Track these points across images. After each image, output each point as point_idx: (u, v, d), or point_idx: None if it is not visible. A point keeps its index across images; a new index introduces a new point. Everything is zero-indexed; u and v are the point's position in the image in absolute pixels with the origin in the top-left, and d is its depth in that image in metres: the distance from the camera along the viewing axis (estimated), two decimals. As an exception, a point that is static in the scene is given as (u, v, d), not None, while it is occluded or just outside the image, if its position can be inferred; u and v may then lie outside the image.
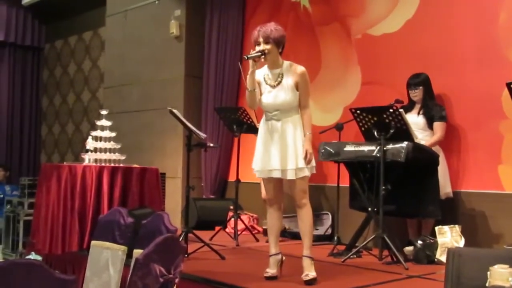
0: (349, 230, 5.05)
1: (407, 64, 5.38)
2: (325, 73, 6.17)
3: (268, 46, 3.67)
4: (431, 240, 4.45)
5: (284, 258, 3.85)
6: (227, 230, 5.76)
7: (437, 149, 4.83)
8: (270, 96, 3.74)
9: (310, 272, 3.64)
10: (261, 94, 3.78)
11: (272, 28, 3.71)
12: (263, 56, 3.67)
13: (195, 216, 6.31)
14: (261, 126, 3.83)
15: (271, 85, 3.74)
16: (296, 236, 5.76)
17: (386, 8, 5.72)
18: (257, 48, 3.68)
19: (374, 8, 5.83)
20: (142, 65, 7.89)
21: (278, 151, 3.66)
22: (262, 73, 3.81)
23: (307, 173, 3.66)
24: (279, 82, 3.72)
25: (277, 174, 3.68)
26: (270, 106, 3.73)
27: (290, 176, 3.64)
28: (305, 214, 3.72)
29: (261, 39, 3.68)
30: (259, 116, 5.84)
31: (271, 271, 3.75)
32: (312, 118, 3.84)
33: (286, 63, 3.77)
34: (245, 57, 3.73)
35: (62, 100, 10.59)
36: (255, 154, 3.79)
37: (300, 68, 3.73)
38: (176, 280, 2.31)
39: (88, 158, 5.02)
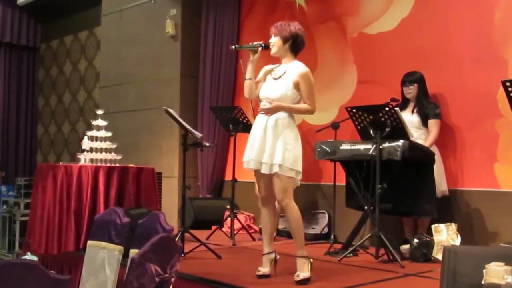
0: (345, 228, 5.06)
1: (402, 62, 5.38)
2: (321, 72, 6.16)
3: (273, 40, 3.74)
4: (427, 238, 4.46)
5: (278, 256, 3.84)
6: (223, 229, 5.76)
7: (433, 147, 4.84)
8: (266, 88, 3.77)
9: (301, 273, 3.62)
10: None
11: (284, 22, 3.76)
12: (260, 48, 3.75)
13: (191, 215, 6.30)
14: (256, 119, 3.85)
15: (273, 78, 3.77)
16: (292, 235, 5.78)
17: (381, 6, 5.72)
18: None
19: (370, 6, 5.83)
20: (138, 64, 7.88)
21: (258, 144, 3.66)
22: (272, 67, 3.85)
23: (277, 169, 3.57)
24: (280, 77, 3.74)
25: (252, 165, 3.68)
26: (264, 97, 3.76)
27: (264, 169, 3.62)
28: (289, 214, 3.71)
29: (272, 34, 3.77)
30: (256, 115, 5.85)
31: (263, 269, 3.75)
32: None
33: (295, 62, 3.77)
34: (233, 47, 3.81)
35: (58, 100, 10.57)
36: (246, 146, 3.81)
37: (302, 69, 3.71)
38: (172, 280, 2.31)
39: (84, 158, 5.01)
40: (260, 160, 3.64)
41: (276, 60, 3.88)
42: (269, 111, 3.66)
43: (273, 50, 3.75)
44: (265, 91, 3.76)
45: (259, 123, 3.73)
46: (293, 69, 3.72)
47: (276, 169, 3.59)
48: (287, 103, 3.69)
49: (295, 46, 3.77)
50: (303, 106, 3.74)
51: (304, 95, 3.71)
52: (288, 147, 3.62)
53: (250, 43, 3.82)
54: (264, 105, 3.71)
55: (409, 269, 4.09)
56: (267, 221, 3.84)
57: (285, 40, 3.72)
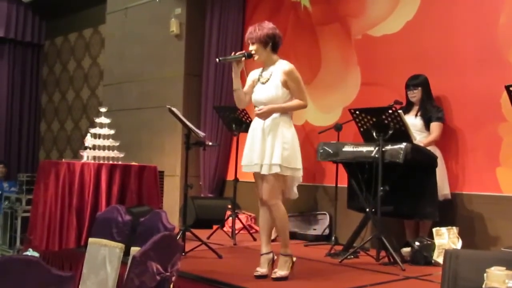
0: (346, 230, 5.05)
1: (406, 65, 5.38)
2: (324, 73, 6.18)
3: (253, 47, 3.76)
4: (429, 242, 4.46)
5: (275, 257, 3.85)
6: (224, 229, 5.76)
7: (435, 150, 4.84)
8: (258, 92, 3.81)
9: (280, 271, 3.69)
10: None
11: (257, 27, 3.75)
12: (243, 58, 3.77)
13: (193, 214, 6.30)
14: (252, 123, 3.88)
15: (262, 82, 3.80)
16: (293, 235, 5.78)
17: (386, 9, 5.72)
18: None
19: (375, 8, 5.83)
20: (142, 63, 7.89)
21: (259, 146, 3.70)
22: (258, 72, 3.88)
23: (278, 170, 3.62)
24: (268, 80, 3.77)
25: (256, 169, 3.71)
26: (257, 101, 3.80)
27: (264, 170, 3.66)
28: (276, 213, 3.72)
29: (249, 41, 3.77)
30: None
31: (261, 270, 3.77)
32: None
33: (279, 61, 3.80)
34: (218, 59, 3.81)
35: (61, 97, 10.58)
36: (244, 149, 3.84)
37: (286, 66, 3.73)
38: (173, 278, 2.31)
39: (86, 155, 5.01)
40: (261, 163, 3.68)
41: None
42: (263, 115, 3.71)
43: (257, 58, 3.78)
44: (256, 96, 3.81)
45: (257, 126, 3.77)
46: (278, 69, 3.75)
47: (276, 169, 3.63)
48: (280, 103, 3.73)
49: (275, 45, 3.79)
50: (294, 102, 3.77)
51: (294, 91, 3.75)
52: (285, 146, 3.66)
53: (233, 54, 3.85)
54: (258, 110, 3.74)
55: (410, 272, 4.09)
56: (265, 221, 3.86)
57: (265, 44, 3.74)
